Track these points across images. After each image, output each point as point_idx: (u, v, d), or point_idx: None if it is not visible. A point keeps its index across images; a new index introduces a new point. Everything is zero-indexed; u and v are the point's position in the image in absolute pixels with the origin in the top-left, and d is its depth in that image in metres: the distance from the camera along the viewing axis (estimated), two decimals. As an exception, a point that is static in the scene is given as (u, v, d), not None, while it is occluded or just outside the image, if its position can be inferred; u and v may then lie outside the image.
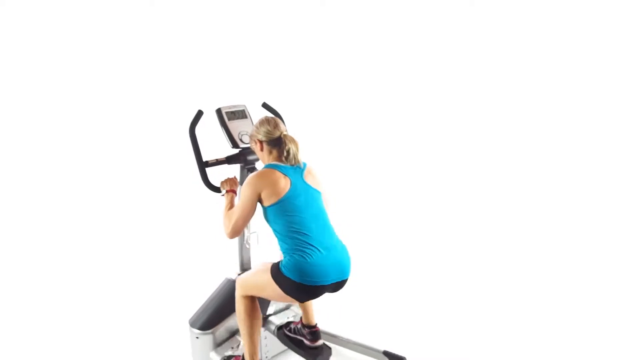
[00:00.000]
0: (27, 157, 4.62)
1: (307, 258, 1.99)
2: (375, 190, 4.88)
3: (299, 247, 2.02)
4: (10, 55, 4.48)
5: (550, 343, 2.69)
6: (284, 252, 2.09)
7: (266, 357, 2.59)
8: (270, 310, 2.60)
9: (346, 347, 2.54)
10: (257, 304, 2.21)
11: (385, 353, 2.45)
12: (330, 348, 2.36)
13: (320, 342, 2.35)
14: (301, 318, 2.40)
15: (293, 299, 2.07)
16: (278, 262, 2.07)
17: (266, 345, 2.59)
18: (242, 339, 2.24)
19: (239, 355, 2.31)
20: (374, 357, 2.48)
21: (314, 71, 5.12)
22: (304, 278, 1.98)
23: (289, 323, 2.47)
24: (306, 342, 2.35)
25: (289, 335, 2.43)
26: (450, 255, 3.81)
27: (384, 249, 3.93)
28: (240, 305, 2.20)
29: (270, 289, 2.07)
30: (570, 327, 2.82)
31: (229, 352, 2.37)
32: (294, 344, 2.39)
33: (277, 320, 2.54)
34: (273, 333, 2.50)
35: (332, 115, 5.13)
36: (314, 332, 2.35)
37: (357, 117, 5.20)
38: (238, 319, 2.23)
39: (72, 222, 4.36)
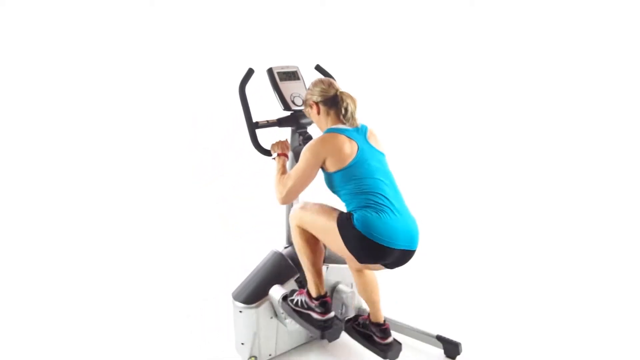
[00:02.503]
0: (30, 157, 4.47)
1: (380, 214, 1.86)
2: (425, 172, 4.72)
3: (371, 205, 1.88)
4: (10, 54, 4.36)
5: (599, 337, 2.56)
6: (353, 210, 1.92)
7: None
8: None
9: (398, 331, 2.38)
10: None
11: (439, 338, 2.31)
12: (400, 343, 2.16)
13: (390, 338, 2.15)
14: (369, 314, 2.19)
15: (350, 255, 1.90)
16: (350, 212, 1.91)
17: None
18: (305, 270, 2.10)
19: (304, 289, 2.14)
20: (427, 342, 2.35)
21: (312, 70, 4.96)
22: (372, 233, 1.83)
23: (357, 317, 2.26)
24: (376, 338, 2.15)
25: (357, 329, 2.22)
26: (511, 239, 3.71)
27: (439, 231, 3.75)
28: (297, 235, 2.06)
29: (330, 237, 1.93)
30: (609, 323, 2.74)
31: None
32: (363, 338, 2.19)
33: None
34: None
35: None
36: (384, 330, 2.15)
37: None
38: (297, 249, 2.10)
39: (116, 207, 4.31)
